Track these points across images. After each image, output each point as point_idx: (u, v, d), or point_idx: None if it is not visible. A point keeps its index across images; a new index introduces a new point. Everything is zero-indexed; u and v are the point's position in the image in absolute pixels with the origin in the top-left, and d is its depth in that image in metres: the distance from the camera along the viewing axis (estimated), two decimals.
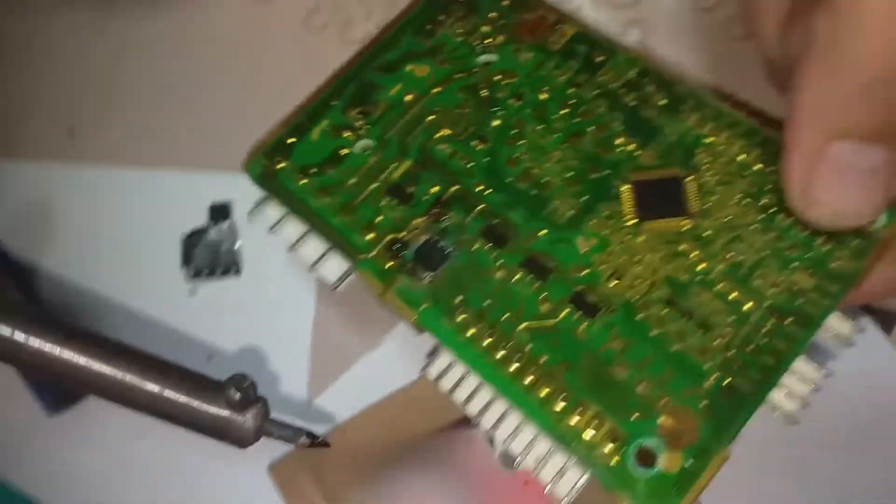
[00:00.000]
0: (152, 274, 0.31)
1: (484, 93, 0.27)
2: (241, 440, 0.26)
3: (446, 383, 0.23)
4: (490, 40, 0.28)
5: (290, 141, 0.28)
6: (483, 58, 0.28)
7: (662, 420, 0.21)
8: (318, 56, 0.33)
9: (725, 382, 0.21)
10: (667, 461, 0.21)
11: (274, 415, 0.26)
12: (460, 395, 0.23)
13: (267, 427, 0.26)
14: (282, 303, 0.30)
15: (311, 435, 0.26)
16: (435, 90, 0.28)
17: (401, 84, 0.28)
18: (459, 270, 0.24)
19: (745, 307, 0.22)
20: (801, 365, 0.22)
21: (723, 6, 0.30)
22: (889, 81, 0.18)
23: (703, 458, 0.21)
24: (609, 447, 0.21)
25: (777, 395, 0.22)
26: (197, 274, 0.30)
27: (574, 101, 0.26)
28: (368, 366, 0.30)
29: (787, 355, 0.21)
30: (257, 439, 0.25)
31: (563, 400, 0.22)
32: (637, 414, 0.21)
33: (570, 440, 0.21)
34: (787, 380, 0.22)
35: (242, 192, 0.28)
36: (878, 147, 0.19)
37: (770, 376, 0.21)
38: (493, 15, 0.29)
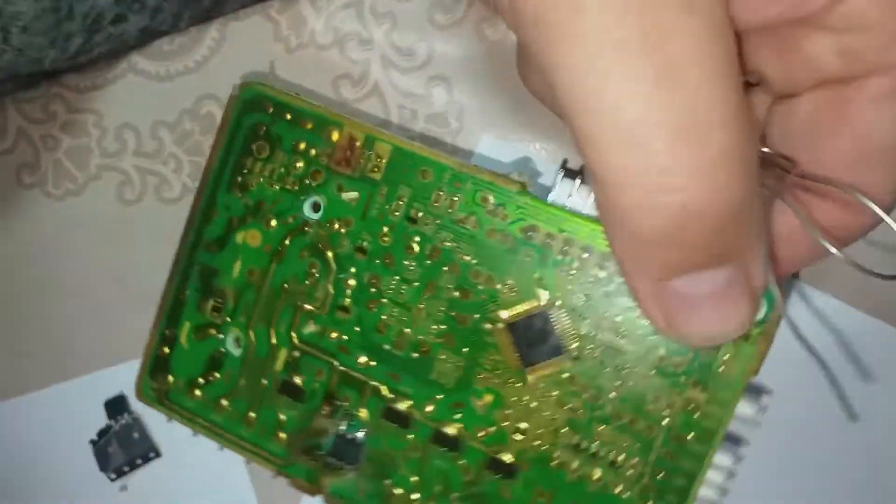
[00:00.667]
0: (77, 487, 0.31)
1: (328, 252, 0.25)
2: None
3: None
4: (309, 181, 0.25)
5: (165, 352, 0.27)
6: (308, 206, 0.25)
7: None
8: (147, 225, 0.31)
9: None
10: None
11: None
12: None
13: None
14: (212, 471, 0.31)
15: None
16: (275, 261, 0.25)
17: (239, 261, 0.26)
18: (378, 456, 0.25)
19: (646, 435, 0.22)
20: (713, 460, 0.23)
21: (509, 33, 0.26)
22: (682, 226, 0.16)
23: None
24: None
25: (701, 493, 0.23)
26: (119, 473, 0.31)
27: (418, 239, 0.24)
28: None
29: (697, 471, 0.22)
30: None
31: None
32: None
33: None
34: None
35: (129, 379, 0.28)
36: (711, 270, 0.18)
37: (685, 494, 0.22)
38: (301, 146, 0.25)
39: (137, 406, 0.31)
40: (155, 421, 0.30)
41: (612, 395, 0.23)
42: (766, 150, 0.20)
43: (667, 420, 0.22)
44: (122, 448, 0.31)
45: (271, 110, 0.25)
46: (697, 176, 0.16)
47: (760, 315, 0.21)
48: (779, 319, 0.21)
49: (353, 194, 0.25)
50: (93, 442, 0.31)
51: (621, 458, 0.23)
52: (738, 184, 0.16)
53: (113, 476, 0.31)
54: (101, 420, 0.31)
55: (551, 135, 0.28)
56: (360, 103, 0.29)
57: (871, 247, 0.25)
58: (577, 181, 0.23)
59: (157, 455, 0.31)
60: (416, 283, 0.24)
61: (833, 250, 0.18)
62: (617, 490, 0.23)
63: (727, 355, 0.22)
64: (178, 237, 0.29)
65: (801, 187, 0.20)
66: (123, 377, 0.31)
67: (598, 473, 0.23)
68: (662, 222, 0.16)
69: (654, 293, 0.18)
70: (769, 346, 0.21)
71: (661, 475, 0.22)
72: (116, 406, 0.31)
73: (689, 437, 0.22)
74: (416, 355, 0.24)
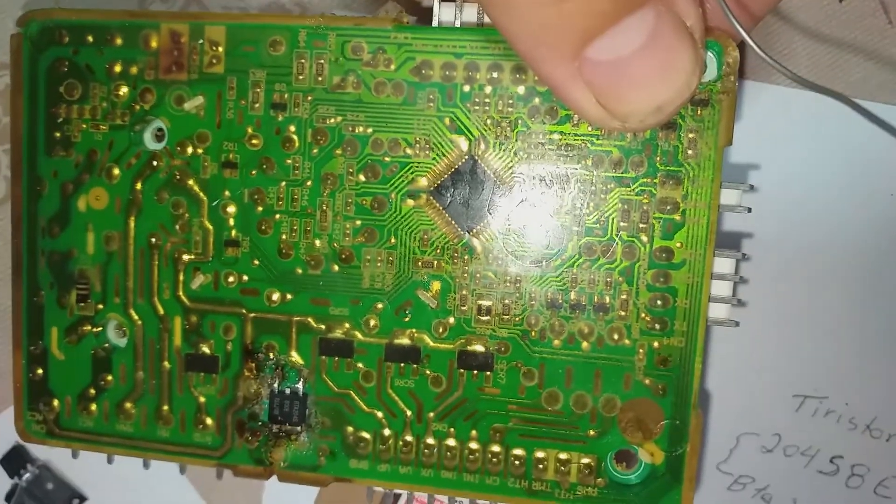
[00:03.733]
0: None
1: (190, 182, 0.20)
2: None
3: None
4: (140, 105, 0.20)
5: (38, 374, 0.21)
6: (149, 136, 0.20)
7: (620, 420, 0.19)
8: None
9: (656, 348, 0.19)
10: (648, 455, 0.19)
11: None
12: None
13: None
14: (154, 494, 0.26)
15: None
16: (133, 216, 0.20)
17: (90, 231, 0.21)
18: (328, 404, 0.20)
19: (628, 261, 0.19)
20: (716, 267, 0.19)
21: None
22: None
23: (680, 436, 0.19)
24: (588, 478, 0.19)
25: (711, 314, 0.19)
26: None
27: (293, 128, 0.19)
28: None
29: (699, 284, 0.18)
30: None
31: (517, 468, 0.19)
32: (592, 431, 0.19)
33: (549, 498, 0.19)
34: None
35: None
36: (629, 17, 0.14)
37: (695, 314, 0.19)
38: (117, 68, 0.20)
39: (40, 451, 0.25)
40: (66, 461, 0.25)
41: (575, 228, 0.19)
42: None
43: (645, 236, 0.19)
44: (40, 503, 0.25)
45: (67, 39, 0.20)
46: None
47: (713, 73, 0.18)
48: (736, 71, 0.18)
49: (198, 100, 0.20)
50: None
51: (607, 299, 0.19)
52: None
53: None
54: (3, 482, 0.25)
55: None
56: None
57: None
58: None
59: (83, 499, 0.26)
60: (310, 182, 0.20)
61: None
62: (616, 339, 0.19)
63: (691, 133, 0.18)
64: None
65: None
66: (10, 425, 0.25)
67: (586, 327, 0.19)
68: None
69: (576, 72, 0.15)
70: (734, 106, 0.18)
71: (658, 303, 0.19)
72: (14, 460, 0.25)
73: (676, 246, 0.18)
74: (337, 267, 0.20)
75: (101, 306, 0.21)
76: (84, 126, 0.20)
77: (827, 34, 0.22)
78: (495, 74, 0.19)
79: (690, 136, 0.18)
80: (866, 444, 0.23)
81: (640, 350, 0.19)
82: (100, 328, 0.21)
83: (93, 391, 0.21)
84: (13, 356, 0.22)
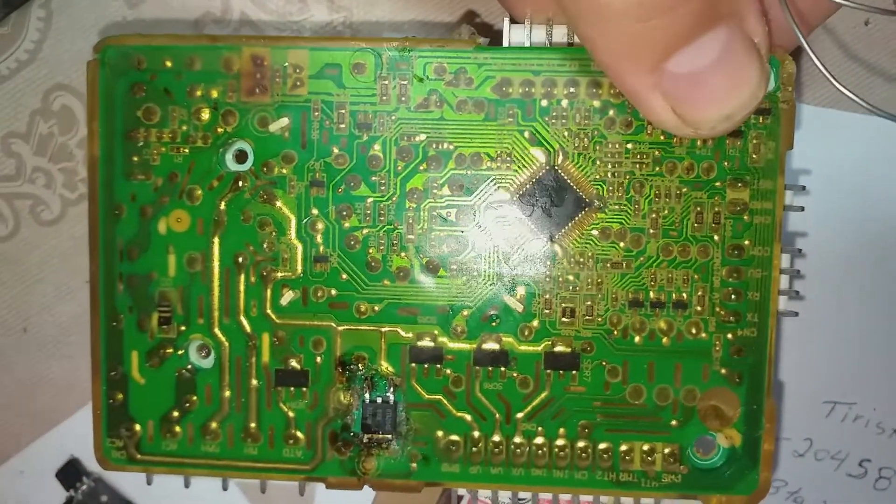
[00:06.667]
0: None
1: (277, 202, 0.21)
2: None
3: None
4: (222, 128, 0.20)
5: (118, 399, 0.21)
6: (231, 157, 0.21)
7: (700, 410, 0.20)
8: (34, 258, 0.25)
9: (731, 340, 0.20)
10: (726, 439, 0.20)
11: None
12: None
13: None
14: None
15: None
16: (217, 235, 0.21)
17: (171, 254, 0.21)
18: (419, 410, 0.21)
19: (703, 259, 0.20)
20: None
21: None
22: None
23: (756, 420, 0.20)
24: (672, 466, 0.21)
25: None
26: None
27: (378, 147, 0.20)
28: None
29: (768, 277, 0.20)
30: None
31: (605, 461, 0.21)
32: (674, 421, 0.20)
33: (636, 488, 0.21)
34: None
35: (73, 438, 0.24)
36: (706, 34, 0.16)
37: (765, 305, 0.20)
38: (198, 92, 0.20)
39: (96, 465, 0.25)
40: (121, 475, 0.25)
41: (652, 231, 0.20)
42: None
43: (717, 235, 0.20)
44: None
45: (145, 64, 0.20)
46: None
47: (771, 85, 0.19)
48: (792, 87, 0.19)
49: (284, 122, 0.20)
50: None
51: (685, 295, 0.20)
52: None
53: None
54: (59, 495, 0.26)
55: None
56: None
57: None
58: (527, 19, 0.20)
59: None
60: (396, 197, 0.20)
61: None
62: (693, 333, 0.20)
63: (755, 140, 0.20)
64: (75, 260, 0.24)
65: None
66: (66, 438, 0.26)
67: (665, 324, 0.20)
68: None
69: (655, 83, 0.17)
70: (793, 113, 0.20)
71: (732, 297, 0.20)
72: (70, 473, 0.26)
73: (746, 244, 0.20)
74: (423, 278, 0.20)
75: (183, 328, 0.21)
76: (164, 149, 0.21)
77: (853, 55, 0.24)
78: (572, 90, 0.20)
79: (755, 142, 0.20)
80: (893, 448, 0.25)
81: (717, 342, 0.20)
82: (182, 350, 0.21)
83: (176, 413, 0.21)
84: (92, 384, 0.21)
